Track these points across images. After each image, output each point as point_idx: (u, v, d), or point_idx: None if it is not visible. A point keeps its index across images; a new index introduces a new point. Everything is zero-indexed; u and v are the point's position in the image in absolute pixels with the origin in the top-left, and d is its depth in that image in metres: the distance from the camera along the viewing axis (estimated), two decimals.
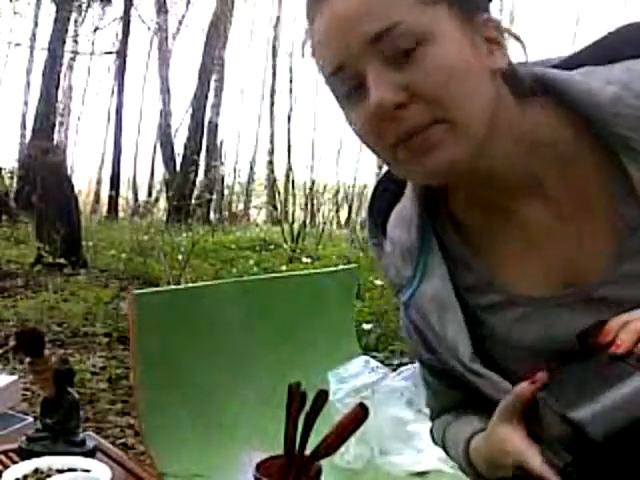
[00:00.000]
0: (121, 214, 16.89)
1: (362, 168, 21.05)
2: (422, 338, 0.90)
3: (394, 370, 2.22)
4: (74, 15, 18.19)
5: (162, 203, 17.85)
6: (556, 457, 0.68)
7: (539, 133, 0.78)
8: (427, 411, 1.04)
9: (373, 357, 2.60)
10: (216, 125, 19.04)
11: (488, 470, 0.83)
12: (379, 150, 0.75)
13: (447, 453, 0.98)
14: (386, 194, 0.92)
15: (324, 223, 12.48)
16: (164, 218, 13.50)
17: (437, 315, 0.85)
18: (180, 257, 6.86)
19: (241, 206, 22.73)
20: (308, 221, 13.94)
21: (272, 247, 9.42)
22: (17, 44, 21.64)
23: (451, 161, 0.72)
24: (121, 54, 18.82)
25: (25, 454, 1.17)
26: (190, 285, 2.60)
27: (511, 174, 0.79)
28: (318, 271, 3.33)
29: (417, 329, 0.90)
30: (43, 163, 6.82)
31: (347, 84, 0.73)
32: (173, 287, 2.88)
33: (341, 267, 3.49)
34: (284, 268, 6.98)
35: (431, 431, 1.03)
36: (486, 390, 0.83)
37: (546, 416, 0.71)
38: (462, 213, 0.86)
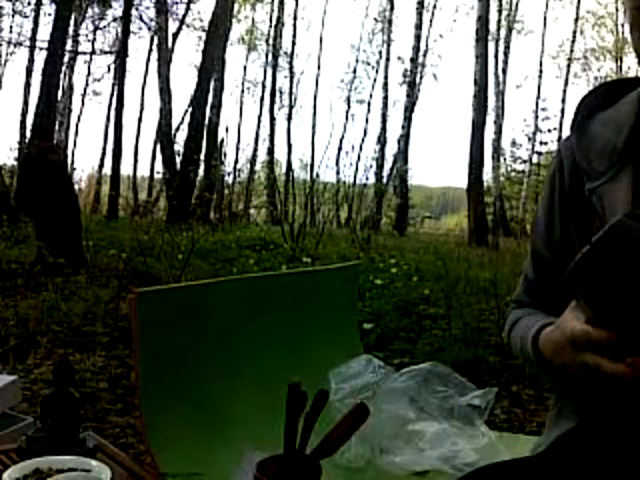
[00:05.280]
0: (121, 214, 16.89)
1: (362, 168, 21.04)
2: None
3: (397, 370, 2.21)
4: (74, 14, 18.20)
5: (162, 203, 17.85)
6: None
7: None
8: (429, 410, 1.06)
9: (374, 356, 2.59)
10: (216, 124, 19.03)
11: (553, 356, 0.94)
12: None
13: (510, 342, 1.13)
14: (597, 99, 1.07)
15: (324, 222, 12.48)
16: (164, 218, 13.50)
17: (608, 212, 0.97)
18: (180, 257, 6.85)
19: (241, 206, 22.73)
20: (308, 220, 13.94)
21: (272, 247, 9.41)
22: (17, 44, 21.67)
23: None
24: (121, 54, 18.83)
25: (25, 454, 1.17)
26: (193, 283, 2.58)
27: None
28: (322, 267, 3.30)
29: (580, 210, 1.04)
30: (43, 163, 6.81)
31: None
32: (176, 285, 2.87)
33: (345, 263, 3.46)
34: (284, 268, 6.97)
35: (505, 320, 1.19)
36: None
37: None
38: None
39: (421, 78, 22.75)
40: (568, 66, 24.73)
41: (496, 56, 22.58)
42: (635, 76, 1.07)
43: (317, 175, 17.31)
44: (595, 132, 1.04)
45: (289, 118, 25.20)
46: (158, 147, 20.33)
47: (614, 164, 0.99)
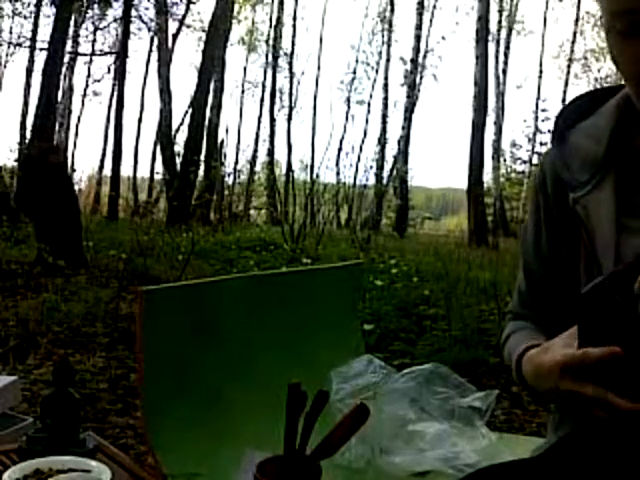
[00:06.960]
0: (121, 214, 16.90)
1: (362, 169, 21.04)
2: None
3: (397, 371, 2.21)
4: (74, 15, 18.20)
5: (162, 203, 17.86)
6: None
7: None
8: (429, 410, 1.08)
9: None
10: (216, 125, 19.04)
11: (534, 380, 0.96)
12: (628, 75, 0.91)
13: (503, 355, 1.15)
14: (576, 109, 1.06)
15: (324, 223, 12.48)
16: (164, 218, 13.50)
17: (594, 222, 0.98)
18: (180, 257, 6.86)
19: (241, 206, 22.73)
20: (308, 221, 13.94)
21: (272, 247, 9.41)
22: (17, 44, 21.69)
23: None
24: (121, 54, 18.84)
25: (25, 454, 1.16)
26: (199, 280, 2.57)
27: None
28: (326, 266, 3.29)
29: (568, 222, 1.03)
30: (43, 163, 6.81)
31: (627, 24, 0.85)
32: (182, 282, 2.85)
33: (348, 262, 3.43)
34: (284, 269, 6.97)
35: (502, 332, 1.19)
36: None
37: None
38: None
39: (421, 79, 22.78)
40: (568, 67, 24.76)
41: (496, 57, 22.61)
42: (616, 84, 1.06)
43: (317, 176, 17.31)
44: (576, 142, 1.03)
45: (289, 119, 25.21)
46: (158, 148, 20.34)
47: (596, 173, 0.99)
